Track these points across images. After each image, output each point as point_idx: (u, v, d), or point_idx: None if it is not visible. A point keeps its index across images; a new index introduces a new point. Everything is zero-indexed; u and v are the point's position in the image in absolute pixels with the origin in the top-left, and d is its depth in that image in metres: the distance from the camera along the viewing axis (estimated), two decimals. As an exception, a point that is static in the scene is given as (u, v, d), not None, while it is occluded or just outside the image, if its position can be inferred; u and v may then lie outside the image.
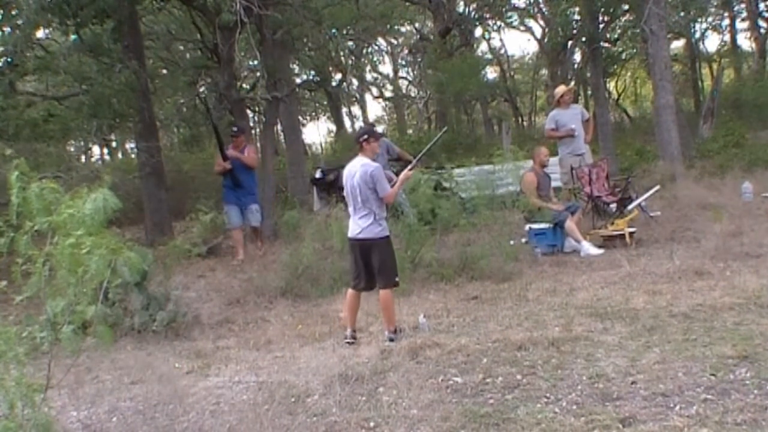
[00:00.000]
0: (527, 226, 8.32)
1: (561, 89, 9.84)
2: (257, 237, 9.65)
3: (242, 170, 9.33)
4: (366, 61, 28.18)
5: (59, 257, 2.97)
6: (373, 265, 5.31)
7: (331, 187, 11.14)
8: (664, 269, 6.45)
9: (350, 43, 22.85)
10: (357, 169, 5.33)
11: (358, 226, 5.33)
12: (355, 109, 33.21)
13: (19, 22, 9.73)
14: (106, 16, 10.01)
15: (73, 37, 10.64)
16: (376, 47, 27.58)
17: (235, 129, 9.80)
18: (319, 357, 5.01)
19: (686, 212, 9.38)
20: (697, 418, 3.35)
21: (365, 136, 5.46)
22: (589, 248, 7.80)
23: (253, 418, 3.79)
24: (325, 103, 28.18)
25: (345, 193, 5.47)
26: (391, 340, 5.17)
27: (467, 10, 22.81)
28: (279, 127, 18.08)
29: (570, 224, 8.01)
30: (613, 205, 8.67)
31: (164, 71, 16.49)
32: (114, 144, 26.29)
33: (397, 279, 5.40)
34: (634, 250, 7.60)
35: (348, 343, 5.26)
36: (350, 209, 5.42)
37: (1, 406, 2.99)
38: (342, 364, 4.69)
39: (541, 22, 23.30)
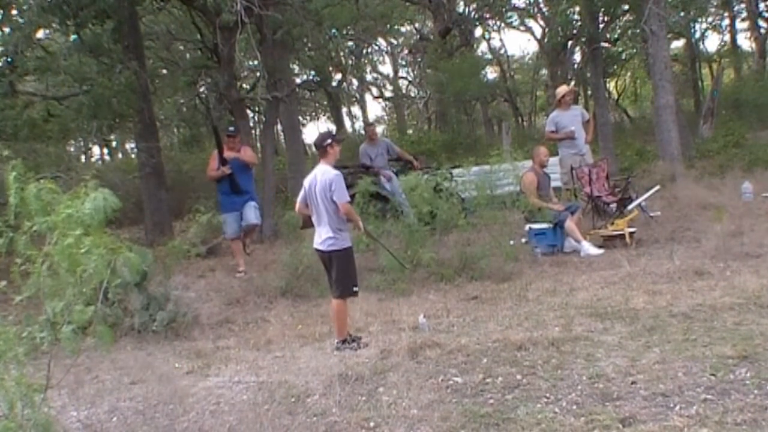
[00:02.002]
0: (527, 226, 8.32)
1: (563, 89, 9.83)
2: (249, 235, 8.96)
3: (241, 173, 8.70)
4: (366, 61, 28.19)
5: (58, 257, 2.97)
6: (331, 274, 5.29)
7: None
8: (664, 269, 6.45)
9: (350, 43, 22.86)
10: (318, 177, 5.22)
11: (319, 236, 5.27)
12: (355, 109, 33.27)
13: (21, 21, 9.76)
14: (106, 16, 10.02)
15: (73, 37, 10.67)
16: (376, 47, 27.62)
17: (231, 129, 9.27)
18: (319, 357, 5.01)
19: (686, 212, 9.37)
20: (697, 418, 3.35)
21: (329, 141, 5.33)
22: (589, 248, 7.80)
23: (253, 418, 3.78)
24: (325, 103, 28.18)
25: (308, 202, 5.36)
26: (338, 349, 5.10)
27: (467, 10, 22.81)
28: (279, 127, 18.10)
29: (570, 224, 8.01)
30: (613, 205, 8.66)
31: (164, 71, 16.50)
32: (114, 144, 26.32)
33: (355, 289, 5.27)
34: (634, 250, 7.60)
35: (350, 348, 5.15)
36: (314, 218, 5.36)
37: (1, 406, 2.99)
38: (342, 364, 4.69)
39: (541, 22, 23.30)
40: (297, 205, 5.52)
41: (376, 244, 6.89)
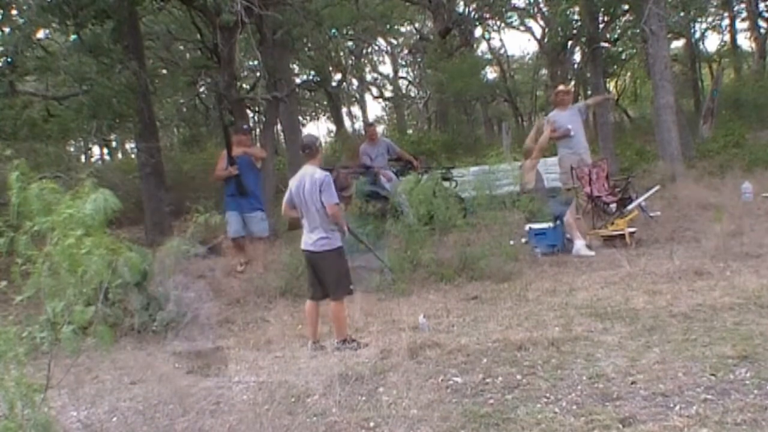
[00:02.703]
0: (527, 226, 8.33)
1: (558, 90, 9.85)
2: (260, 251, 8.58)
3: (248, 173, 8.59)
4: (366, 61, 28.20)
5: (59, 257, 2.97)
6: (322, 277, 5.27)
7: None
8: (664, 269, 6.45)
9: (350, 43, 22.88)
10: (307, 178, 5.23)
11: (308, 237, 5.27)
12: (355, 109, 33.26)
13: (20, 21, 9.76)
14: (106, 16, 10.01)
15: (73, 37, 10.67)
16: (376, 47, 27.63)
17: (245, 126, 9.23)
18: (319, 357, 5.01)
19: (686, 212, 9.38)
20: (697, 418, 3.35)
21: (318, 142, 5.48)
22: (581, 248, 7.84)
23: (253, 418, 3.78)
24: (325, 103, 28.17)
25: (296, 203, 5.36)
26: (338, 349, 5.11)
27: (467, 10, 22.81)
28: (279, 127, 18.10)
29: (570, 219, 8.02)
30: (613, 205, 8.67)
31: (164, 71, 16.49)
32: (114, 144, 26.32)
33: (351, 287, 5.30)
34: (634, 250, 7.61)
35: (312, 356, 5.14)
36: (303, 220, 5.35)
37: (1, 406, 2.99)
38: (342, 364, 4.69)
39: (541, 22, 23.29)
40: (283, 208, 5.53)
41: (373, 245, 6.89)
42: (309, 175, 5.22)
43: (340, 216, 5.33)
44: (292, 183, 5.36)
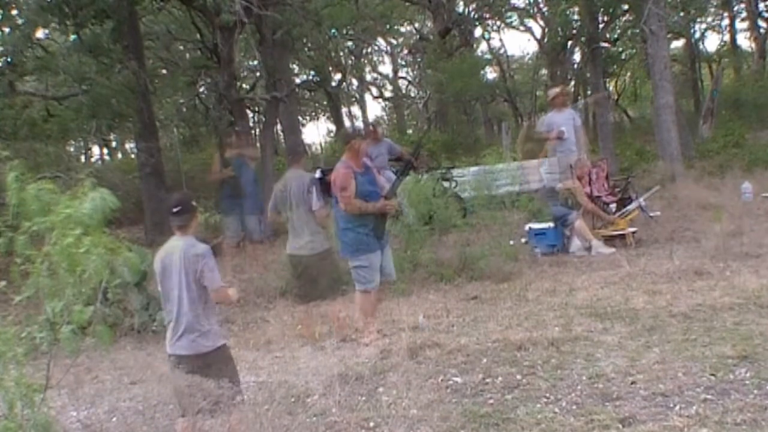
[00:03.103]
0: (527, 226, 8.33)
1: (553, 92, 9.86)
2: (259, 252, 8.65)
3: (244, 174, 8.65)
4: (366, 61, 28.19)
5: (57, 257, 2.96)
6: (316, 278, 5.28)
7: (330, 187, 11.06)
8: (664, 269, 6.45)
9: (350, 43, 22.87)
10: (293, 181, 5.25)
11: (295, 241, 5.30)
12: (355, 109, 33.24)
13: (19, 22, 9.76)
14: (106, 16, 10.02)
15: (72, 37, 10.67)
16: (376, 47, 27.61)
17: (238, 128, 9.52)
18: (319, 357, 5.00)
19: (686, 212, 9.37)
20: (697, 418, 3.35)
21: (303, 148, 5.54)
22: (577, 248, 7.85)
23: (253, 418, 3.78)
24: (325, 103, 28.15)
25: (281, 208, 5.34)
26: (338, 348, 5.14)
27: (467, 10, 22.80)
28: (279, 127, 18.10)
29: (580, 224, 8.01)
30: (613, 205, 8.67)
31: (164, 71, 16.48)
32: (114, 144, 26.30)
33: (345, 287, 5.34)
34: (634, 250, 7.60)
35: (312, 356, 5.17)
36: (288, 225, 5.35)
37: (1, 406, 2.98)
38: (341, 364, 4.69)
39: (541, 22, 23.26)
40: (269, 214, 5.53)
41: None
42: (295, 178, 5.26)
43: (327, 217, 5.35)
44: (277, 188, 5.38)
